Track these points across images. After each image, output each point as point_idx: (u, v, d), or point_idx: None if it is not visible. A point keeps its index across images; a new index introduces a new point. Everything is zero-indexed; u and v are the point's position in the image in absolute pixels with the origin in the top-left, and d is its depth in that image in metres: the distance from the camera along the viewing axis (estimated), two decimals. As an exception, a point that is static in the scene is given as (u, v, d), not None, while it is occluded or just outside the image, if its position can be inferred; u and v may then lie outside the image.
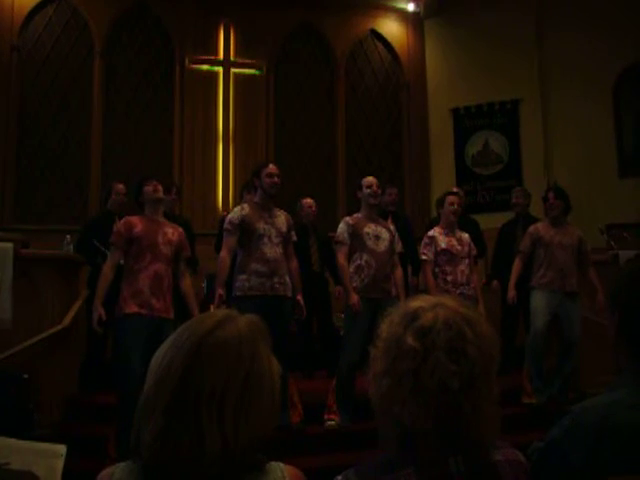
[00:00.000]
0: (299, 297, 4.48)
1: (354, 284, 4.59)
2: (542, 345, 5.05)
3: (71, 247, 5.36)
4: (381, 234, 4.72)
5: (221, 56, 8.25)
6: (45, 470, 1.95)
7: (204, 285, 6.57)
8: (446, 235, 5.01)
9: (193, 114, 8.05)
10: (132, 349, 3.90)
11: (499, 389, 1.14)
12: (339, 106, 8.66)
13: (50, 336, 4.51)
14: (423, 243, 5.04)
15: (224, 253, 4.38)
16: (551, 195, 5.24)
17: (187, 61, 8.10)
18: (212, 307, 4.88)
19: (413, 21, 8.97)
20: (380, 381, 1.15)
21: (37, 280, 4.70)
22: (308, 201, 6.22)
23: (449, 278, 4.90)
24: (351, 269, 4.64)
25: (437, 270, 4.94)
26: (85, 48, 7.88)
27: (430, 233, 5.07)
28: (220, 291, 4.27)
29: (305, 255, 5.71)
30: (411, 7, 8.82)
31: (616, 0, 7.92)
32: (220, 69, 8.23)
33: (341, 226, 4.74)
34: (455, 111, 8.71)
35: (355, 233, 4.66)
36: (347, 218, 4.81)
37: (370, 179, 4.80)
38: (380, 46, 8.95)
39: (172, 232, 4.31)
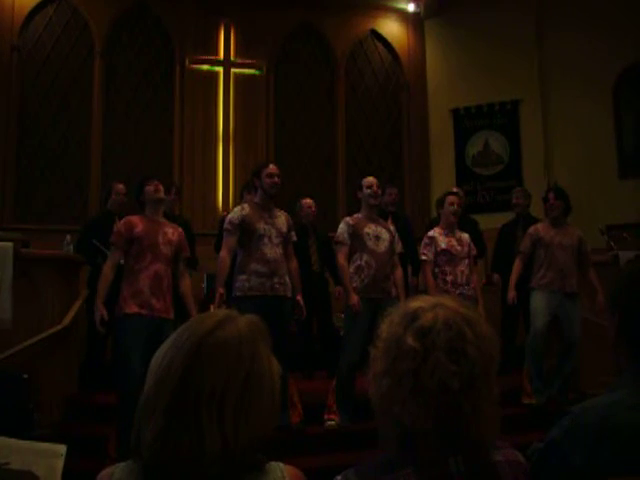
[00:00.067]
0: (299, 297, 4.48)
1: (354, 284, 4.59)
2: (542, 345, 5.05)
3: (71, 247, 5.36)
4: (381, 234, 4.72)
5: (221, 56, 8.25)
6: (45, 470, 1.95)
7: (204, 285, 6.57)
8: (446, 235, 5.01)
9: (193, 114, 8.05)
10: (132, 349, 3.90)
11: (499, 389, 1.14)
12: (339, 106, 8.66)
13: (50, 336, 4.51)
14: (423, 243, 5.04)
15: (224, 253, 4.38)
16: (551, 196, 5.24)
17: (187, 61, 8.10)
18: (212, 307, 4.88)
19: (413, 21, 8.97)
20: (380, 381, 1.15)
21: (37, 280, 4.70)
22: (307, 201, 6.22)
23: (449, 278, 4.90)
24: (351, 269, 4.64)
25: (437, 270, 4.94)
26: (85, 48, 7.88)
27: (430, 233, 5.07)
28: (221, 290, 4.27)
29: (305, 255, 5.70)
30: (411, 7, 8.82)
31: (616, 0, 7.93)
32: (220, 69, 8.23)
33: (341, 226, 4.74)
34: (455, 111, 8.71)
35: (355, 233, 4.66)
36: (347, 218, 4.81)
37: (370, 179, 4.80)
38: (380, 46, 8.95)
39: (172, 232, 4.31)
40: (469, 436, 1.10)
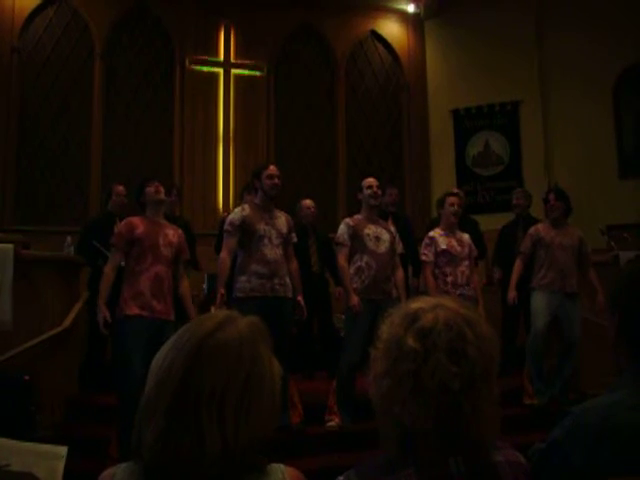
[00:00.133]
0: (299, 298, 4.48)
1: (354, 285, 4.59)
2: (542, 346, 5.05)
3: (72, 249, 5.36)
4: (381, 235, 4.72)
5: (221, 57, 8.26)
6: (46, 472, 1.95)
7: (205, 286, 6.57)
8: (446, 236, 5.01)
9: (193, 115, 8.06)
10: (133, 351, 3.89)
11: (500, 390, 1.14)
12: (339, 107, 8.66)
13: (50, 338, 4.51)
14: (423, 244, 5.04)
15: (224, 254, 4.38)
16: (552, 196, 5.24)
17: (187, 62, 8.10)
18: (213, 308, 4.88)
19: (413, 22, 8.97)
20: (380, 382, 1.15)
21: (37, 282, 4.70)
22: (307, 202, 6.22)
23: (449, 279, 4.90)
24: (351, 270, 4.64)
25: (437, 271, 4.94)
26: (85, 50, 7.89)
27: (430, 234, 5.07)
28: (222, 291, 4.27)
29: (305, 256, 5.70)
30: (411, 8, 8.83)
31: (616, 0, 7.93)
32: (220, 70, 8.24)
33: (341, 227, 4.75)
34: (455, 112, 8.72)
35: (355, 234, 4.66)
36: (347, 219, 4.81)
37: (370, 180, 4.80)
38: (380, 47, 8.95)
39: (173, 234, 4.31)
40: (469, 436, 1.10)
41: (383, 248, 4.68)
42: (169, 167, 7.91)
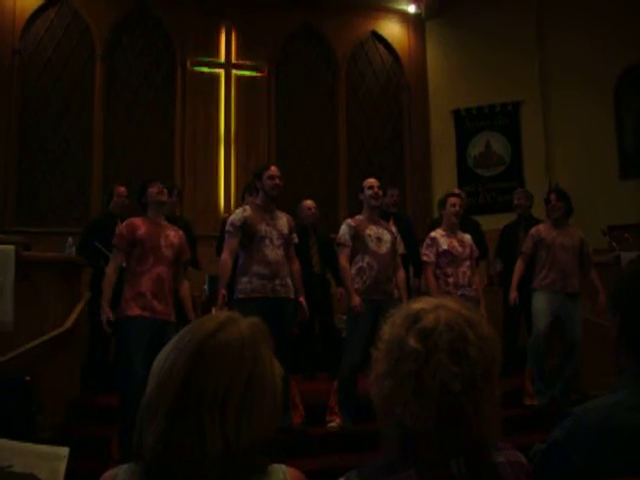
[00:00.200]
0: (301, 299, 4.48)
1: (356, 286, 4.58)
2: (544, 346, 5.05)
3: (73, 249, 5.36)
4: (383, 236, 4.72)
5: (222, 58, 8.27)
6: (47, 472, 1.95)
7: (206, 287, 6.58)
8: (447, 236, 5.01)
9: (194, 116, 8.06)
10: (134, 351, 3.90)
11: (501, 390, 1.14)
12: (340, 107, 8.66)
13: (52, 338, 4.52)
14: (425, 244, 5.04)
15: (226, 255, 4.39)
16: (553, 197, 5.25)
17: (188, 63, 8.11)
18: (214, 309, 4.88)
19: (414, 22, 8.97)
20: (382, 383, 1.15)
21: (39, 283, 4.70)
22: (308, 203, 6.22)
23: (450, 280, 4.90)
24: (353, 271, 4.64)
25: (438, 272, 4.94)
26: (86, 51, 7.89)
27: (432, 234, 5.07)
28: (223, 291, 4.28)
29: (305, 257, 5.70)
30: (412, 9, 8.83)
31: (617, 1, 7.93)
32: (221, 71, 8.24)
33: (343, 228, 4.75)
34: (456, 112, 8.72)
35: (357, 235, 4.66)
36: (349, 220, 4.82)
37: (371, 181, 4.80)
38: (381, 47, 8.96)
39: (174, 235, 4.32)
40: (471, 437, 1.10)
41: (384, 249, 4.68)
42: (170, 168, 7.91)
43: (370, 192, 4.74)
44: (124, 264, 4.24)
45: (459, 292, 4.83)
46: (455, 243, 4.99)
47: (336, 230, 4.96)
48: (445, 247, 4.94)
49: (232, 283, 4.45)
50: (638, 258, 1.35)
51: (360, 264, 4.63)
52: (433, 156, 8.84)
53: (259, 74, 8.35)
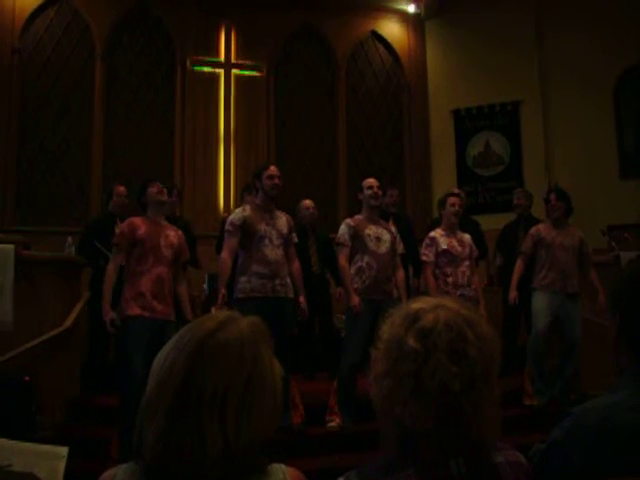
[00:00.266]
0: (301, 299, 4.48)
1: (355, 285, 4.59)
2: (543, 346, 5.05)
3: (72, 249, 5.36)
4: (382, 236, 4.72)
5: (222, 57, 8.27)
6: (47, 472, 1.95)
7: (205, 286, 6.58)
8: (447, 236, 5.01)
9: (194, 115, 8.06)
10: (134, 351, 3.90)
11: (500, 390, 1.14)
12: (340, 107, 8.66)
13: (51, 338, 4.51)
14: (424, 244, 5.04)
15: (225, 254, 4.39)
16: (553, 197, 5.25)
17: (188, 63, 8.11)
18: (213, 309, 4.88)
19: (414, 22, 8.97)
20: (381, 382, 1.15)
21: (38, 282, 4.70)
22: (306, 202, 6.22)
23: (449, 279, 4.90)
24: (352, 271, 4.64)
25: (437, 272, 4.94)
26: (86, 50, 7.89)
27: (431, 234, 5.07)
28: (223, 290, 4.28)
29: (304, 257, 5.70)
30: (412, 8, 8.83)
31: (616, 1, 7.93)
32: (221, 70, 8.24)
33: (342, 228, 4.75)
34: (456, 112, 8.72)
35: (356, 235, 4.66)
36: (348, 220, 4.82)
37: (371, 180, 4.80)
38: (381, 47, 8.96)
39: (173, 235, 4.32)
40: (470, 437, 1.10)
41: (384, 248, 4.68)
42: (170, 167, 7.91)
43: (369, 192, 4.74)
44: (123, 263, 4.24)
45: (458, 292, 4.83)
46: (455, 243, 4.99)
47: (336, 230, 4.96)
48: (444, 247, 4.94)
49: (232, 282, 4.45)
50: (638, 258, 1.35)
51: (359, 264, 4.63)
52: (433, 156, 8.84)
53: (259, 74, 8.35)
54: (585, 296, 5.16)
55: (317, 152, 8.55)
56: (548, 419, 4.50)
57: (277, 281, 4.34)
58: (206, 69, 8.22)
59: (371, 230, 4.70)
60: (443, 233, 5.04)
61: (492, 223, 7.08)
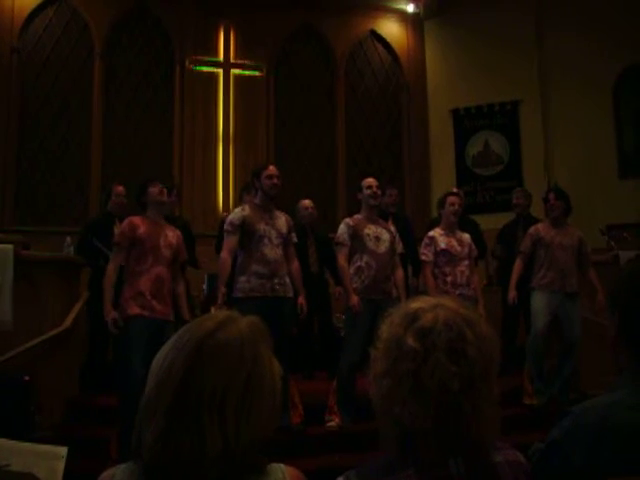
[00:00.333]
0: (301, 299, 4.48)
1: (354, 285, 4.59)
2: (542, 346, 5.05)
3: (71, 249, 5.36)
4: (381, 235, 4.73)
5: (221, 57, 8.27)
6: (46, 472, 1.95)
7: (205, 286, 6.57)
8: (446, 236, 5.01)
9: (193, 115, 8.06)
10: (133, 351, 3.90)
11: (500, 390, 1.14)
12: (339, 107, 8.66)
13: (51, 338, 4.51)
14: (423, 244, 5.04)
15: (225, 254, 4.39)
16: (552, 196, 5.25)
17: (187, 62, 8.11)
18: (213, 309, 4.88)
19: (413, 22, 8.97)
20: (380, 382, 1.15)
21: (37, 282, 4.69)
22: (305, 202, 6.21)
23: (448, 279, 4.89)
24: (351, 270, 4.64)
25: (437, 271, 4.93)
26: (85, 50, 7.89)
27: (430, 234, 5.07)
28: (223, 289, 4.28)
29: (303, 256, 5.70)
30: (411, 8, 8.83)
31: (616, 1, 7.93)
32: (220, 70, 8.24)
33: (341, 227, 4.75)
34: (455, 112, 8.72)
35: (355, 234, 4.66)
36: (347, 219, 4.82)
37: (370, 180, 4.80)
38: (380, 47, 8.96)
39: (172, 235, 4.33)
40: (469, 437, 1.10)
41: (383, 248, 4.68)
42: (169, 167, 7.91)
43: (369, 192, 4.74)
44: (122, 263, 4.24)
45: (457, 291, 4.83)
46: (454, 242, 4.99)
47: (335, 230, 4.96)
48: (443, 246, 4.94)
49: (231, 282, 4.45)
50: (637, 257, 1.35)
51: (358, 263, 4.64)
52: (432, 155, 8.85)
53: (258, 73, 8.35)
54: (584, 295, 5.16)
55: (316, 152, 8.55)
56: (547, 418, 4.51)
57: (276, 281, 4.34)
58: (205, 69, 8.22)
59: (370, 230, 4.70)
60: (442, 232, 5.04)
61: (491, 223, 7.08)
